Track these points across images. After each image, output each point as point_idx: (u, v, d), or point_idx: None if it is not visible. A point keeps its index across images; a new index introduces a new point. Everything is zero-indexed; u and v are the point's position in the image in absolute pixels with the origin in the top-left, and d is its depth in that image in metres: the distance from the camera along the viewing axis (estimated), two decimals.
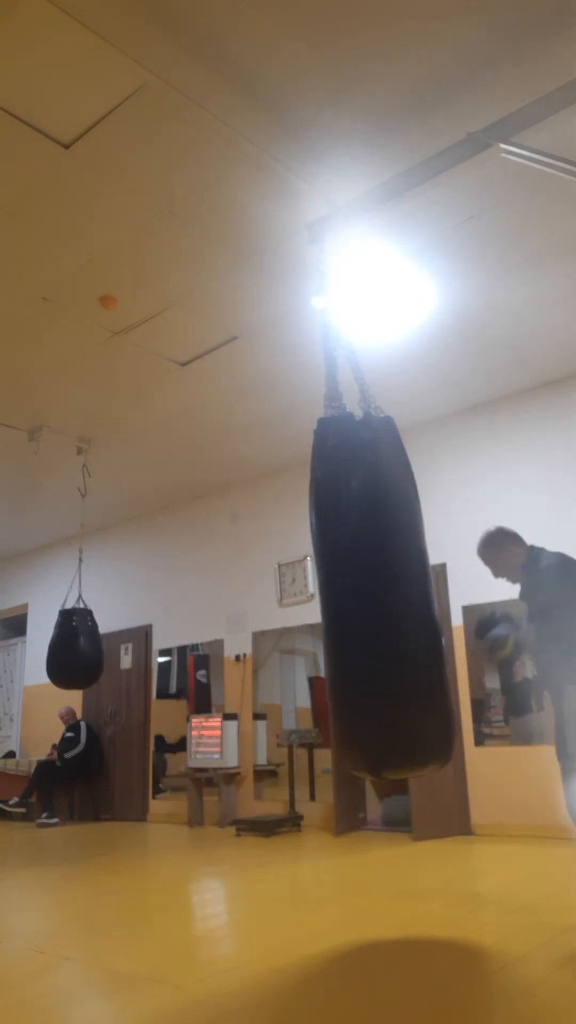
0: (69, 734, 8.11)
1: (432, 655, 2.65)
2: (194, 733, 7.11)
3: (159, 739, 8.03)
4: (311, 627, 6.78)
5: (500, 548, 3.14)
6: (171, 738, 8.01)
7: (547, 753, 5.32)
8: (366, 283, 4.46)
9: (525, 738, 5.49)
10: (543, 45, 3.01)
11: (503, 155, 3.18)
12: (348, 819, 5.91)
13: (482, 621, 3.06)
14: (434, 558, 6.23)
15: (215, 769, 6.88)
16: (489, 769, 5.52)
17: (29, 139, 3.38)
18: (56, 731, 8.34)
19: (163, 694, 8.16)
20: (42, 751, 8.55)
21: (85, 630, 6.22)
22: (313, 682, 7.19)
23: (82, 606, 6.32)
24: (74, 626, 6.19)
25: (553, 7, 2.85)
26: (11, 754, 9.29)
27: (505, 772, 5.47)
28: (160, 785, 7.92)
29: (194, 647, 7.87)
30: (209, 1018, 2.10)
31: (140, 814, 7.78)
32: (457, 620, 5.94)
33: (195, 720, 7.16)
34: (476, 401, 6.17)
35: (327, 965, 2.56)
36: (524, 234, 4.13)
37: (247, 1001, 2.24)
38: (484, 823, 5.41)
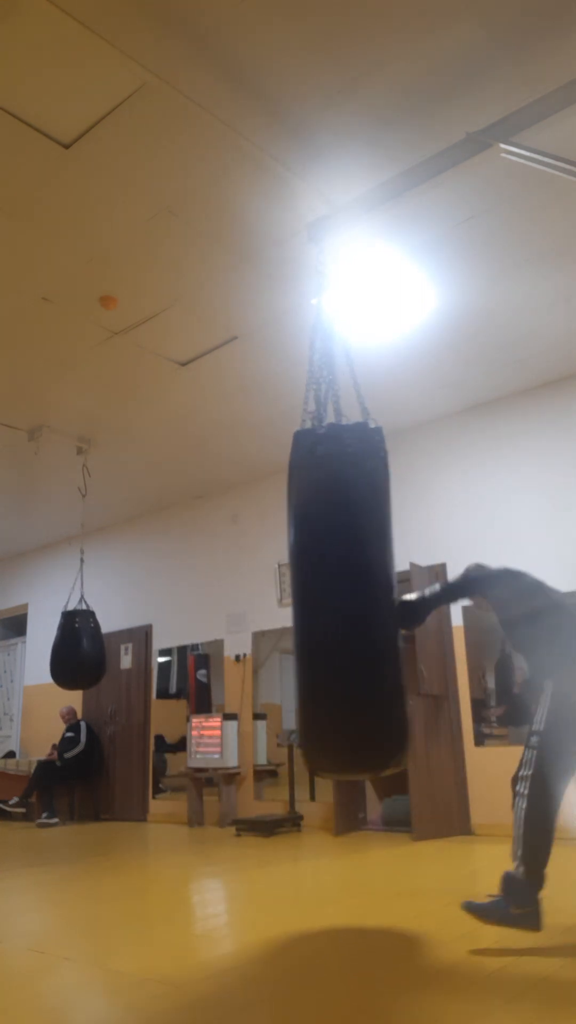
0: (69, 734, 8.11)
1: (388, 663, 2.76)
2: (194, 733, 7.11)
3: (159, 739, 8.03)
4: None
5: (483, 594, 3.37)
6: (171, 738, 8.00)
7: None
8: (366, 283, 4.46)
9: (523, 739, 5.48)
10: (543, 45, 3.01)
11: (503, 155, 3.18)
12: (348, 819, 5.91)
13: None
14: (434, 558, 6.27)
15: (215, 769, 6.88)
16: (489, 769, 5.52)
17: (29, 139, 3.38)
18: (56, 731, 8.34)
19: (163, 694, 8.16)
20: (42, 751, 8.54)
21: (88, 631, 6.23)
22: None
23: (84, 607, 6.33)
24: (77, 628, 6.20)
25: (553, 7, 2.85)
26: (11, 754, 9.29)
27: (505, 772, 5.44)
28: (160, 785, 7.92)
29: (194, 647, 7.87)
30: (209, 1018, 2.10)
31: (140, 814, 7.78)
32: (457, 620, 5.93)
33: (195, 720, 7.16)
34: (475, 401, 6.17)
35: (327, 965, 2.56)
36: (524, 234, 4.13)
37: (247, 1001, 2.24)
38: (484, 823, 5.41)
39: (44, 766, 7.84)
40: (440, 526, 6.12)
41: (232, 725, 6.97)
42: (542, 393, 5.90)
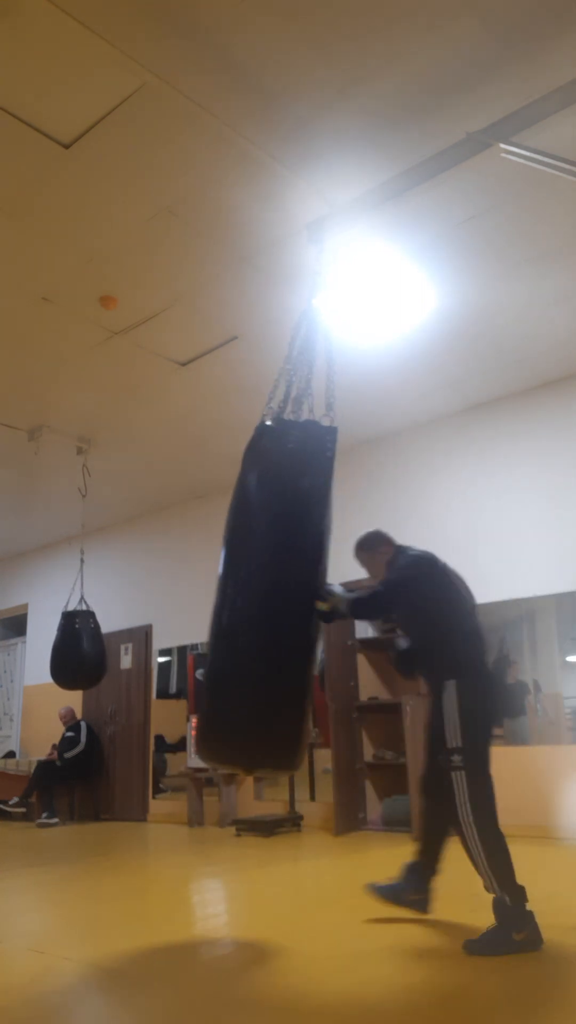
0: (69, 734, 8.11)
1: (288, 670, 2.71)
2: (194, 733, 7.09)
3: (159, 739, 8.02)
4: None
5: (374, 551, 3.12)
6: (171, 738, 8.00)
7: (544, 753, 5.33)
8: (365, 283, 4.46)
9: (521, 738, 5.49)
10: (543, 45, 3.00)
11: (503, 155, 3.17)
12: (348, 819, 5.91)
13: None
14: None
15: (215, 769, 6.87)
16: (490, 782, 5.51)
17: (29, 139, 3.38)
18: (56, 731, 8.34)
19: (163, 694, 8.15)
20: (42, 751, 8.54)
21: (88, 632, 6.23)
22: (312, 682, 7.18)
23: (84, 608, 6.33)
24: (77, 628, 6.20)
25: (553, 7, 2.85)
26: (11, 754, 9.29)
27: (502, 772, 5.46)
28: (160, 785, 7.92)
29: (194, 647, 7.87)
30: (208, 1018, 2.10)
31: (140, 814, 7.78)
32: None
33: (195, 720, 7.15)
34: (475, 402, 6.17)
35: (327, 965, 2.56)
36: (524, 234, 4.12)
37: (247, 1001, 2.24)
38: None
39: (44, 766, 7.84)
40: (440, 526, 6.11)
41: None
42: (542, 393, 5.90)
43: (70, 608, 6.33)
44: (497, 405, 6.12)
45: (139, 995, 2.32)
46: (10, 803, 7.85)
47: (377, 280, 4.45)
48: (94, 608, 6.41)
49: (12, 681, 10.05)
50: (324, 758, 6.69)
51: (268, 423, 2.99)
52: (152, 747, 7.96)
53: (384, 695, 6.42)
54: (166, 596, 8.25)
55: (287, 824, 6.14)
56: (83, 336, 4.99)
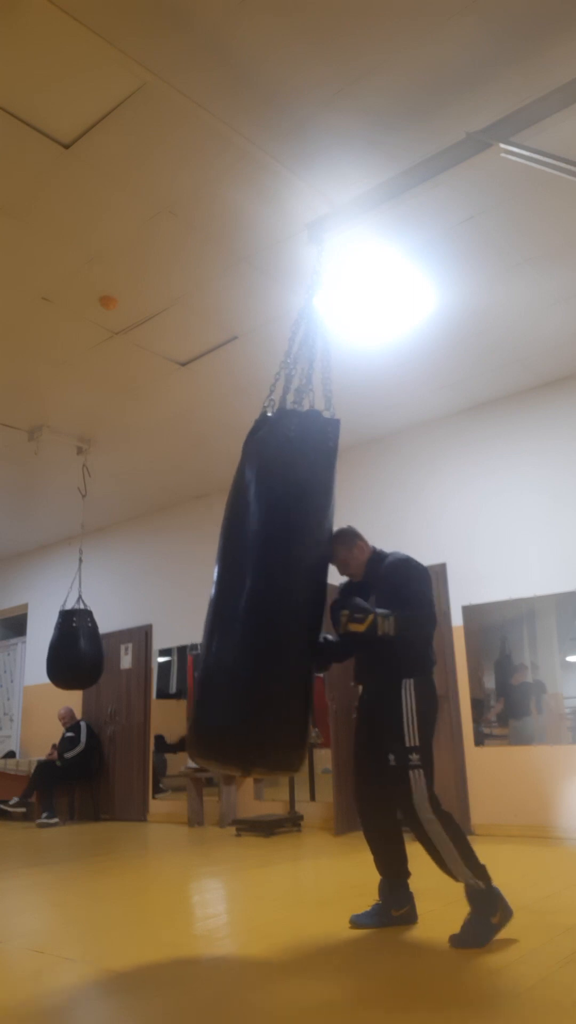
0: (69, 734, 8.11)
1: (295, 666, 2.66)
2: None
3: (159, 739, 8.02)
4: None
5: (351, 546, 3.06)
6: (171, 738, 8.00)
7: (546, 753, 5.33)
8: (365, 283, 4.46)
9: (524, 738, 5.49)
10: (543, 45, 3.01)
11: (503, 155, 3.18)
12: (348, 819, 5.91)
13: (344, 590, 3.09)
14: (434, 558, 6.27)
15: (208, 769, 6.87)
16: (489, 769, 5.52)
17: (29, 139, 3.38)
18: (56, 731, 8.34)
19: (163, 694, 8.16)
20: (42, 751, 8.54)
21: (85, 631, 6.23)
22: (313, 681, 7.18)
23: (82, 607, 6.33)
24: (74, 627, 6.20)
25: (553, 7, 2.85)
26: (11, 754, 9.29)
27: (504, 772, 5.47)
28: (160, 785, 7.92)
29: (194, 647, 7.86)
30: (209, 1018, 2.10)
31: (140, 814, 7.78)
32: (457, 620, 5.93)
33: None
34: (475, 401, 6.17)
35: (327, 965, 2.56)
36: (524, 234, 4.13)
37: (247, 1001, 2.24)
38: (484, 823, 5.41)
39: (44, 766, 7.84)
40: (439, 526, 6.12)
41: None
42: (542, 393, 5.90)
43: (69, 608, 6.33)
44: (497, 405, 6.12)
45: (139, 995, 2.32)
46: (10, 803, 7.85)
47: (377, 280, 4.45)
48: (94, 608, 6.40)
49: (12, 681, 10.04)
50: (324, 758, 6.70)
51: (268, 413, 2.95)
52: (152, 747, 7.96)
53: None
54: (166, 596, 8.25)
55: (287, 824, 6.14)
56: (83, 336, 4.99)
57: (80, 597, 6.36)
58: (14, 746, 9.50)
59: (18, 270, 4.31)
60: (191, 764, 7.01)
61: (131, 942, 3.00)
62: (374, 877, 3.10)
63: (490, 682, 5.76)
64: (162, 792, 7.88)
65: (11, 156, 3.48)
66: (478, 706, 5.75)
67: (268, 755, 2.65)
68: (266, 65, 3.05)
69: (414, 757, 2.73)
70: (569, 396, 5.77)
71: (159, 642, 8.22)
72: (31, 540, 9.78)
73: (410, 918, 2.94)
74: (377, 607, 2.75)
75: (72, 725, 8.18)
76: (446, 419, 6.39)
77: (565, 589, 5.48)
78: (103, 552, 8.86)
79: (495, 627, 5.75)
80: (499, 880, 2.93)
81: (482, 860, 2.76)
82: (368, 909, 2.98)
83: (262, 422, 2.94)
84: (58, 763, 7.86)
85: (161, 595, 8.30)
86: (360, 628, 2.67)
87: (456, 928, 2.67)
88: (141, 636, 8.33)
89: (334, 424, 2.96)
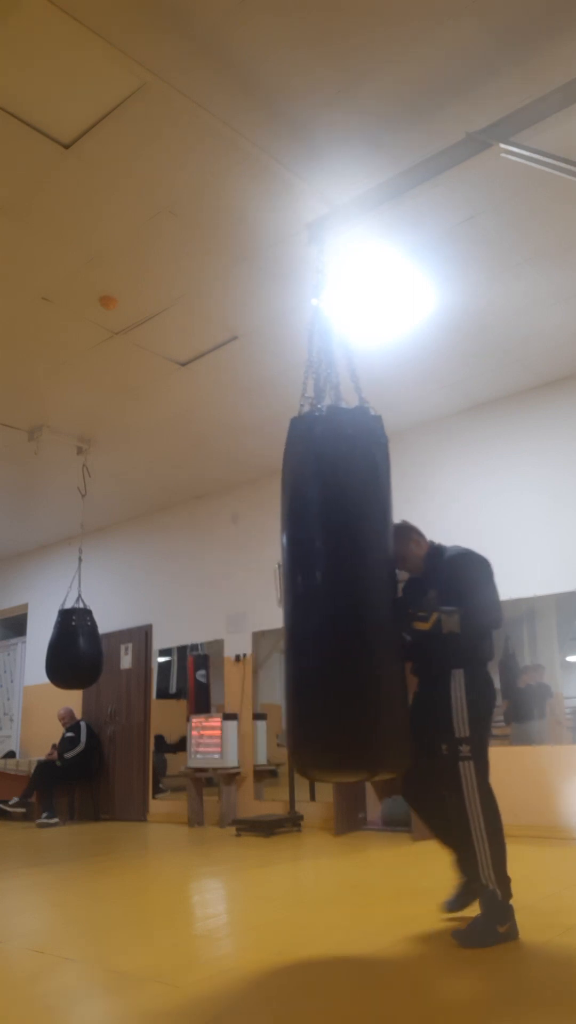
0: (69, 734, 8.11)
1: (388, 662, 2.62)
2: (194, 733, 7.11)
3: (159, 739, 8.02)
4: None
5: (407, 540, 3.11)
6: (171, 738, 8.00)
7: (545, 753, 5.33)
8: (366, 283, 4.46)
9: (525, 739, 5.49)
10: (543, 45, 3.00)
11: (503, 155, 3.18)
12: (348, 819, 5.91)
13: (411, 590, 3.11)
14: None
15: (215, 769, 6.87)
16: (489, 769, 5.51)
17: (29, 139, 3.38)
18: (56, 731, 8.34)
19: (163, 694, 8.16)
20: (42, 751, 8.54)
21: (84, 630, 6.23)
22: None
23: (81, 606, 6.33)
24: (73, 626, 6.20)
25: (553, 7, 2.85)
26: (11, 754, 9.29)
27: (505, 772, 5.46)
28: (160, 785, 7.92)
29: (194, 647, 7.87)
30: (209, 1018, 2.10)
31: (140, 814, 7.78)
32: None
33: (195, 720, 7.16)
34: (475, 401, 6.17)
35: (327, 965, 2.56)
36: (524, 234, 4.13)
37: (247, 1001, 2.24)
38: None
39: (44, 766, 7.84)
40: (439, 526, 6.07)
41: (232, 725, 6.97)
42: (542, 393, 5.90)
43: (68, 607, 6.32)
44: (497, 405, 6.12)
45: (139, 995, 2.32)
46: (10, 803, 7.85)
47: (377, 280, 4.45)
48: (94, 608, 6.40)
49: (12, 681, 10.04)
50: None
51: (319, 411, 2.87)
52: (152, 747, 7.96)
53: None
54: (166, 596, 8.25)
55: (287, 824, 6.14)
56: (83, 336, 4.99)
57: (80, 596, 6.36)
58: (14, 746, 9.50)
59: (18, 270, 4.31)
60: (191, 764, 7.02)
61: (131, 942, 3.00)
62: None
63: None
64: (162, 792, 7.88)
65: (11, 156, 3.48)
66: None
67: (391, 755, 2.58)
68: (266, 65, 3.05)
69: (464, 749, 2.72)
70: (569, 396, 5.77)
71: (159, 642, 8.22)
72: (31, 540, 9.78)
73: (514, 933, 2.70)
74: (439, 602, 2.77)
75: (72, 725, 8.18)
76: (446, 419, 6.39)
77: (565, 589, 5.48)
78: (103, 552, 8.86)
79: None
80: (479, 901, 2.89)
81: None
82: (454, 894, 2.92)
83: (314, 420, 2.84)
84: (58, 763, 7.86)
85: (161, 595, 8.30)
86: (425, 626, 2.69)
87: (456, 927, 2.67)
88: (141, 636, 8.33)
89: (379, 420, 2.92)
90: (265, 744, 7.21)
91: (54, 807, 7.61)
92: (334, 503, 2.68)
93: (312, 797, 6.70)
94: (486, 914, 2.64)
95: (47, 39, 2.91)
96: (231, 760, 6.85)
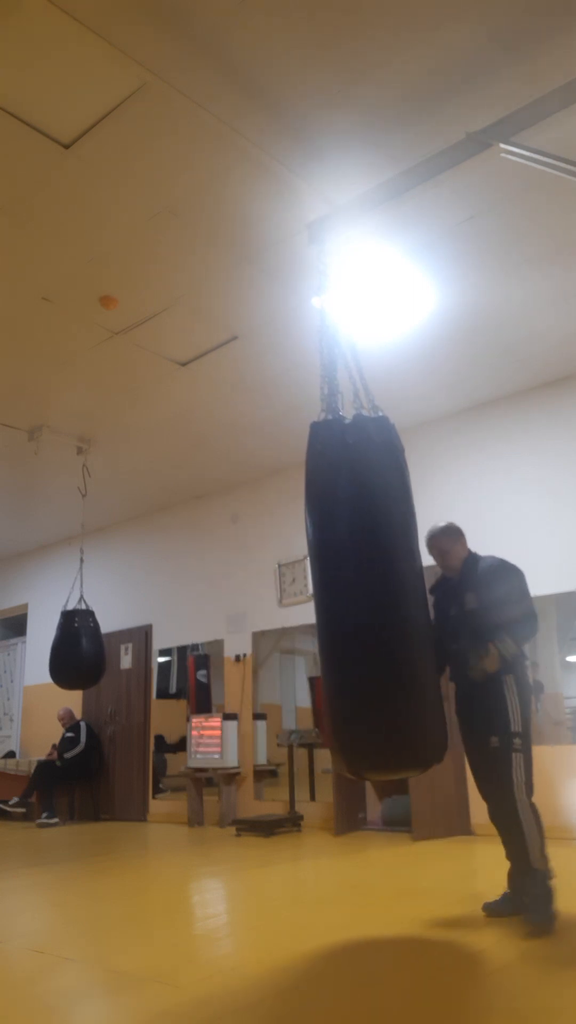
0: (69, 734, 8.11)
1: (426, 657, 2.73)
2: (194, 733, 7.11)
3: (159, 739, 8.02)
4: (311, 627, 6.77)
5: (456, 540, 3.32)
6: (171, 738, 8.00)
7: (547, 753, 5.33)
8: (366, 283, 4.46)
9: None
10: (543, 45, 3.00)
11: (503, 155, 3.17)
12: (348, 819, 5.91)
13: (435, 588, 3.29)
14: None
15: (215, 769, 6.87)
16: None
17: (29, 139, 3.38)
18: (56, 731, 8.34)
19: (163, 694, 8.16)
20: (42, 751, 8.54)
21: (87, 631, 6.24)
22: (313, 682, 7.19)
23: (84, 607, 6.33)
24: (76, 627, 6.20)
25: (553, 7, 2.85)
26: (11, 754, 9.29)
27: None
28: (160, 785, 7.92)
29: (194, 647, 7.87)
30: (209, 1018, 2.10)
31: (140, 814, 7.78)
32: None
33: (195, 720, 7.16)
34: (475, 401, 6.17)
35: (327, 965, 2.56)
36: (524, 234, 4.13)
37: (247, 1001, 2.24)
38: (484, 823, 5.37)
39: (44, 766, 7.84)
40: None
41: (232, 725, 6.97)
42: (542, 393, 5.90)
43: (70, 608, 6.33)
44: (497, 405, 6.12)
45: (139, 995, 2.32)
46: (10, 803, 7.85)
47: (377, 280, 4.45)
48: (94, 608, 6.41)
49: (12, 681, 10.05)
50: (324, 758, 6.69)
51: (344, 418, 2.95)
52: (152, 747, 7.96)
53: None
54: (166, 596, 8.26)
55: (287, 824, 6.14)
56: (83, 336, 4.99)
57: (82, 597, 6.36)
58: (14, 746, 9.51)
59: (18, 270, 4.31)
60: (191, 764, 7.02)
61: (131, 942, 3.00)
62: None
63: None
64: (162, 792, 7.88)
65: (11, 156, 3.48)
66: None
67: (438, 749, 2.74)
68: (267, 65, 3.05)
69: (517, 742, 2.95)
70: (569, 396, 5.77)
71: (159, 642, 8.22)
72: (31, 540, 9.78)
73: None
74: (473, 606, 3.05)
75: (72, 725, 8.18)
76: (446, 419, 6.39)
77: (565, 589, 5.48)
78: (103, 552, 8.86)
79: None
80: (500, 880, 2.94)
81: (483, 860, 2.79)
82: (499, 897, 3.04)
83: (344, 428, 2.91)
84: (58, 763, 7.86)
85: (161, 595, 8.30)
86: (494, 665, 2.94)
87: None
88: (141, 636, 8.33)
89: (394, 427, 3.03)
90: (265, 744, 7.21)
91: (54, 807, 7.61)
92: (372, 508, 2.78)
93: (312, 797, 6.71)
94: (540, 893, 2.84)
95: (47, 39, 2.91)
96: (231, 760, 6.85)
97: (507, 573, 3.17)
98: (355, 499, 2.77)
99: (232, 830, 6.28)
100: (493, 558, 3.26)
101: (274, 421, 6.30)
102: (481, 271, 4.44)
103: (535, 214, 3.96)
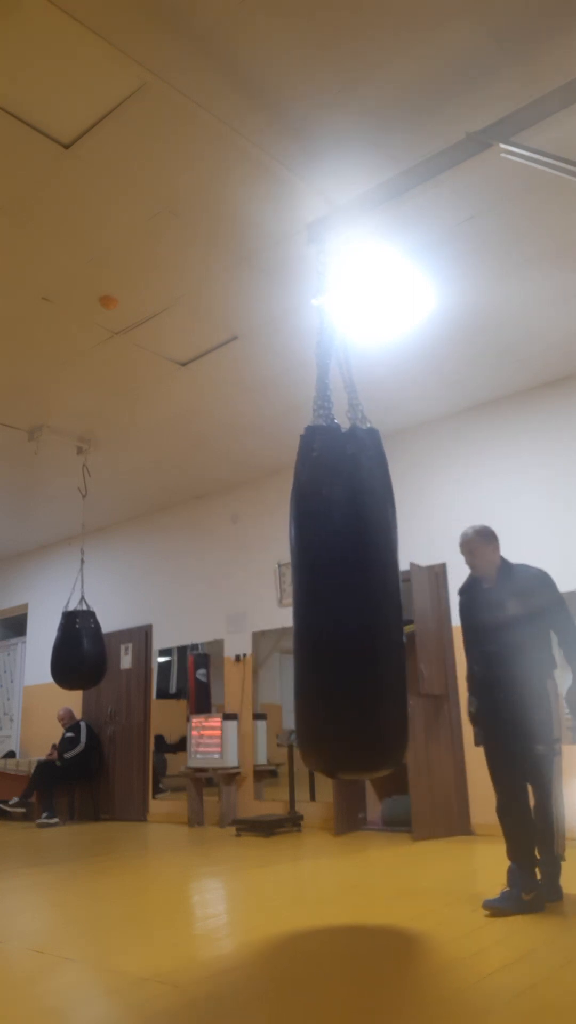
0: (69, 734, 8.11)
1: (397, 664, 2.79)
2: (194, 733, 7.11)
3: (159, 739, 8.02)
4: None
5: (490, 544, 3.43)
6: (171, 738, 8.00)
7: None
8: (366, 283, 4.45)
9: None
10: (543, 45, 3.00)
11: (503, 155, 3.17)
12: (348, 819, 5.91)
13: (463, 589, 3.51)
14: (434, 558, 6.28)
15: (215, 769, 6.88)
16: None
17: (29, 139, 3.38)
18: (56, 731, 8.34)
19: (163, 694, 8.16)
20: (42, 751, 8.55)
21: (88, 632, 6.24)
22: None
23: (84, 607, 6.33)
24: (77, 628, 6.21)
25: (553, 7, 2.85)
26: (11, 754, 9.29)
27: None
28: (160, 785, 7.92)
29: (194, 647, 7.87)
30: (209, 1018, 2.10)
31: (140, 814, 7.78)
32: (457, 621, 5.91)
33: (195, 720, 7.16)
34: (475, 401, 6.17)
35: (327, 965, 2.56)
36: (524, 234, 4.13)
37: (247, 1001, 2.24)
38: (484, 823, 5.40)
39: (44, 766, 7.84)
40: (440, 526, 6.11)
41: (232, 725, 6.97)
42: (542, 393, 5.90)
43: (70, 608, 6.33)
44: (497, 405, 6.12)
45: (139, 995, 2.32)
46: (10, 803, 7.85)
47: (377, 280, 4.45)
48: (94, 608, 6.41)
49: (12, 681, 10.05)
50: None
51: (339, 427, 2.99)
52: (152, 747, 7.96)
53: None
54: (166, 596, 8.26)
55: (287, 824, 6.14)
56: (83, 336, 4.99)
57: (83, 598, 6.37)
58: (14, 746, 9.51)
59: (18, 270, 4.31)
60: (191, 764, 7.02)
61: (131, 942, 3.00)
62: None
63: None
64: (162, 792, 7.88)
65: (11, 156, 3.48)
66: None
67: (404, 751, 2.81)
68: (267, 65, 3.05)
69: (558, 747, 3.13)
70: (569, 396, 5.77)
71: (159, 642, 8.22)
72: (31, 540, 9.78)
73: (538, 906, 3.04)
74: (513, 612, 3.26)
75: (72, 725, 8.19)
76: (446, 419, 6.39)
77: (565, 589, 5.45)
78: (103, 552, 8.87)
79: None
80: (499, 880, 2.94)
81: (482, 860, 2.80)
82: (499, 894, 3.09)
83: (341, 438, 2.94)
84: (58, 763, 7.86)
85: (161, 595, 8.30)
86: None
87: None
88: (141, 636, 8.33)
89: (375, 433, 3.06)
90: (265, 744, 7.21)
91: (54, 807, 7.61)
92: (366, 517, 2.83)
93: (312, 797, 6.71)
94: (553, 876, 3.16)
95: (47, 39, 2.91)
96: (231, 760, 6.86)
97: (551, 585, 3.37)
98: (348, 506, 2.81)
99: (232, 830, 6.28)
100: (530, 568, 3.41)
101: (274, 421, 6.30)
102: (481, 271, 4.44)
103: (535, 214, 3.97)
